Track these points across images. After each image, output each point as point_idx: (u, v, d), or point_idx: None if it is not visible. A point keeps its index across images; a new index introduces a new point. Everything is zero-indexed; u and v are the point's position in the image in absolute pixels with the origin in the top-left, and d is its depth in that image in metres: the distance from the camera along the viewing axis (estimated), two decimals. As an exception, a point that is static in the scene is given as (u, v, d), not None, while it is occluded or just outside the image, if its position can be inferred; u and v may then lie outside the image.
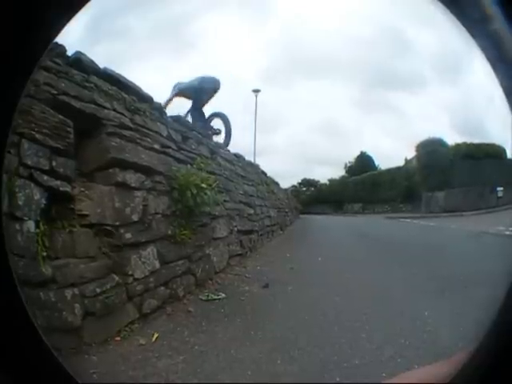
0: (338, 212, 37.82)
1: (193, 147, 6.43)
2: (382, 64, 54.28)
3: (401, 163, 34.09)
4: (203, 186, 5.34)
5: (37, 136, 3.14)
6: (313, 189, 46.46)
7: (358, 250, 9.91)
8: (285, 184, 27.99)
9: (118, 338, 3.48)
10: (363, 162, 42.29)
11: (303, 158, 66.24)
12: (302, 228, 18.40)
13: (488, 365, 0.43)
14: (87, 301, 3.30)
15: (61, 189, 3.36)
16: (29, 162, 3.05)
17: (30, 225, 3.04)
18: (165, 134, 5.37)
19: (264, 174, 14.81)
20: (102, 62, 4.40)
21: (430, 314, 4.18)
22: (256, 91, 24.86)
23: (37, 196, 3.13)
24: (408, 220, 21.44)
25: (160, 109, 5.74)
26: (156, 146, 4.95)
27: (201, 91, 8.84)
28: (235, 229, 8.07)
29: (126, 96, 4.62)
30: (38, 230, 3.13)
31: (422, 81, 53.00)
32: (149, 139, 4.80)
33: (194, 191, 5.16)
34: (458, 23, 0.47)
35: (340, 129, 62.19)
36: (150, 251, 4.40)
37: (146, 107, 5.07)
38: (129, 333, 3.61)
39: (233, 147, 9.68)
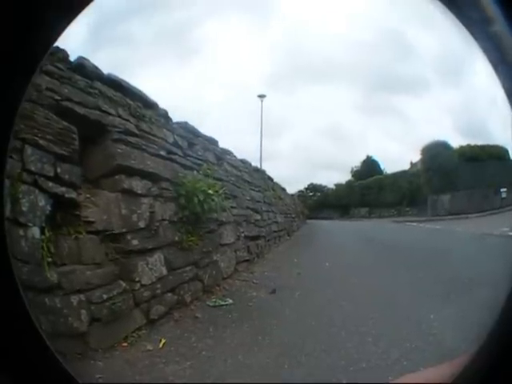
0: (344, 217, 38.01)
1: (199, 153, 6.46)
2: (385, 68, 54.52)
3: (406, 167, 34.26)
4: (210, 192, 5.39)
5: (40, 142, 3.16)
6: (319, 194, 46.61)
7: (365, 255, 9.96)
8: (291, 189, 28.15)
9: (125, 344, 3.50)
10: (369, 167, 42.39)
11: (309, 163, 66.29)
12: (308, 233, 18.52)
13: (490, 366, 0.43)
14: (94, 307, 3.33)
15: (66, 195, 3.38)
16: (32, 168, 3.07)
17: (35, 231, 3.06)
18: (171, 140, 5.41)
19: (271, 179, 14.90)
20: (104, 68, 4.42)
21: (436, 317, 4.17)
22: (261, 96, 24.75)
23: (42, 202, 3.16)
24: (414, 224, 21.52)
25: (165, 115, 5.79)
26: (162, 153, 4.98)
27: None
28: (242, 235, 8.14)
29: (131, 102, 4.64)
30: (43, 237, 3.15)
31: (425, 84, 53.04)
32: (155, 146, 4.83)
33: (201, 197, 5.20)
34: (459, 25, 0.47)
35: (345, 133, 62.30)
36: (157, 258, 4.44)
37: (152, 113, 5.11)
38: (136, 339, 3.64)
39: (239, 153, 9.74)
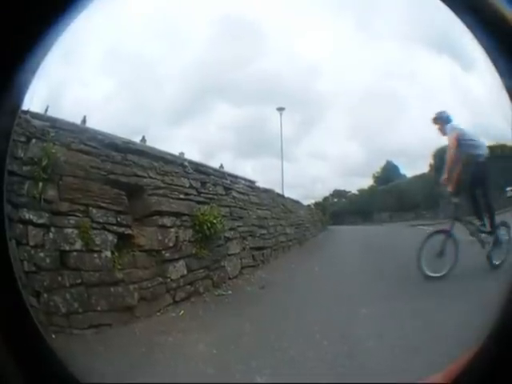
0: (367, 222, 38.63)
1: (210, 189, 8.80)
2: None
3: (425, 170, 34.51)
4: (214, 221, 7.79)
5: (102, 205, 5.45)
6: (344, 200, 47.34)
7: (350, 263, 11.16)
8: (317, 196, 29.22)
9: (159, 314, 5.90)
10: (389, 171, 42.55)
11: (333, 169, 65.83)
12: (320, 242, 20.24)
13: (489, 366, 0.49)
14: (142, 291, 5.71)
15: (125, 232, 5.83)
16: (100, 220, 5.40)
17: (107, 253, 5.43)
18: (187, 185, 7.82)
19: (281, 196, 16.89)
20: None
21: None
22: (280, 109, 23.16)
23: (110, 238, 5.55)
24: (425, 227, 22.13)
25: (182, 164, 8.18)
26: (181, 196, 7.41)
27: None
28: (247, 246, 10.23)
29: (155, 164, 6.94)
30: (113, 256, 5.51)
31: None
32: (176, 192, 7.26)
33: (209, 225, 7.64)
34: (463, 27, 0.54)
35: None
36: (181, 263, 6.86)
37: (171, 168, 7.47)
38: (165, 311, 6.06)
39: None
